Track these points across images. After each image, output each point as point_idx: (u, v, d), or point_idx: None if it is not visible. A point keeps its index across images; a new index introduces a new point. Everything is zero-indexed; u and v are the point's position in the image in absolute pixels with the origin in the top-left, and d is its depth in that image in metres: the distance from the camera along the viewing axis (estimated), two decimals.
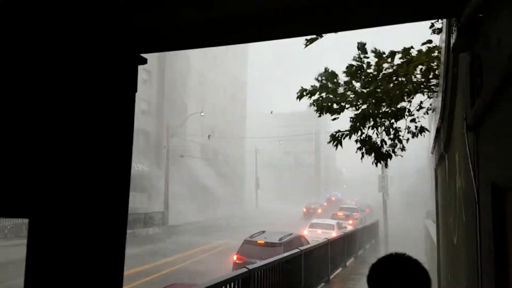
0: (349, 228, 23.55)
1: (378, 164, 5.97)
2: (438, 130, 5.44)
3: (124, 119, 2.20)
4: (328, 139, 5.72)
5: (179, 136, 35.46)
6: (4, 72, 1.92)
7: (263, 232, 16.02)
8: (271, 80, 72.53)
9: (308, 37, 4.71)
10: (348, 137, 5.51)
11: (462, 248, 3.05)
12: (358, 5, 1.60)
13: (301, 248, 10.15)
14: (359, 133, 5.50)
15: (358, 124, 5.40)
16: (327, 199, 51.32)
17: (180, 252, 19.49)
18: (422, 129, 5.73)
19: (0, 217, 1.94)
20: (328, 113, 5.56)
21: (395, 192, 48.82)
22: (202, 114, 35.71)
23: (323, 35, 4.05)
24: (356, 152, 5.69)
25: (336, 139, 5.58)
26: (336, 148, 5.68)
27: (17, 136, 1.92)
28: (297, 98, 5.56)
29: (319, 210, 43.43)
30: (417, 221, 31.41)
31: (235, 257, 14.27)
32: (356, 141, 5.61)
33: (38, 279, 2.00)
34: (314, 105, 5.60)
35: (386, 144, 5.69)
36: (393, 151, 5.71)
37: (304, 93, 5.48)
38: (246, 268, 5.85)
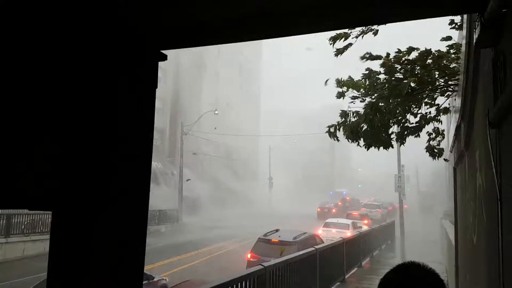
0: (364, 228, 23.37)
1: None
2: (457, 128, 5.36)
3: (145, 115, 2.23)
4: (343, 140, 5.94)
5: (193, 134, 35.68)
6: (35, 69, 1.96)
7: (277, 230, 16.02)
8: (285, 78, 72.40)
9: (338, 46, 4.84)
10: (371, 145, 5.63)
11: (482, 248, 3.01)
12: (384, 1, 1.60)
13: (317, 246, 10.13)
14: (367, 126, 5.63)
15: (368, 116, 5.48)
16: (341, 199, 50.98)
17: (191, 251, 19.57)
18: (443, 111, 5.87)
19: (24, 209, 1.99)
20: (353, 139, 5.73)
21: (412, 192, 48.29)
22: (216, 112, 35.85)
23: (352, 43, 4.11)
24: (367, 148, 5.82)
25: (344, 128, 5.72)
26: (337, 140, 5.91)
27: (43, 133, 1.96)
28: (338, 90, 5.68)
29: (334, 210, 43.19)
30: (434, 221, 31.04)
31: (249, 255, 14.31)
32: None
33: (61, 268, 2.05)
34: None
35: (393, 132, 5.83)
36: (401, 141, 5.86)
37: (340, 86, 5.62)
38: (262, 265, 5.87)
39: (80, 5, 1.91)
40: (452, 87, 5.97)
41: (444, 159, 7.36)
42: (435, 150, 6.10)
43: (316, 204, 46.27)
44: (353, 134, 5.77)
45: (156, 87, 2.38)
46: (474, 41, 1.96)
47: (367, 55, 4.97)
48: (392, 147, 5.99)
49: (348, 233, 19.13)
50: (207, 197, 38.02)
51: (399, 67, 5.10)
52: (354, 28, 2.31)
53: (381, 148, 6.13)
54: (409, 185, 41.57)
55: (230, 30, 2.20)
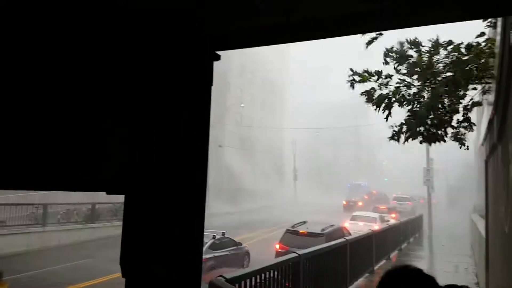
0: (392, 221, 23.28)
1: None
2: (490, 122, 5.42)
3: (202, 111, 2.48)
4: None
5: (218, 126, 36.10)
6: (113, 69, 2.22)
7: (305, 222, 16.21)
8: (311, 70, 71.93)
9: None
10: (409, 138, 5.62)
11: None
12: (424, 7, 1.77)
13: (347, 238, 10.29)
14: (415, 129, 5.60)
15: (414, 124, 5.48)
16: (367, 192, 50.62)
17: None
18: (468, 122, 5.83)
19: (103, 191, 2.25)
20: (379, 107, 5.68)
21: (440, 186, 47.44)
22: (242, 105, 36.13)
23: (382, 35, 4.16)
24: (405, 142, 5.81)
25: (396, 135, 5.71)
26: (398, 142, 5.81)
27: (117, 124, 2.22)
28: (349, 85, 5.71)
29: (360, 203, 43.00)
30: (463, 216, 30.55)
31: (277, 246, 14.56)
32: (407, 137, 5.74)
33: (132, 251, 2.32)
34: (365, 96, 5.73)
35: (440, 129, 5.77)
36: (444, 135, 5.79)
37: (356, 79, 5.63)
38: (296, 253, 6.10)
39: (151, 16, 2.16)
40: (485, 79, 5.97)
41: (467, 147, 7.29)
42: (462, 138, 5.99)
43: (341, 197, 46.21)
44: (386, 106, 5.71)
45: (212, 85, 2.62)
46: (509, 41, 2.10)
47: (410, 42, 5.03)
48: (444, 141, 5.91)
49: (376, 226, 19.11)
50: (233, 188, 38.51)
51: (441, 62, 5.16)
52: (394, 29, 2.43)
53: (410, 142, 6.09)
54: (437, 178, 41.02)
55: (279, 34, 2.42)
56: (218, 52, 2.62)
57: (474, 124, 5.93)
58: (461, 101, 5.55)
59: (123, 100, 2.22)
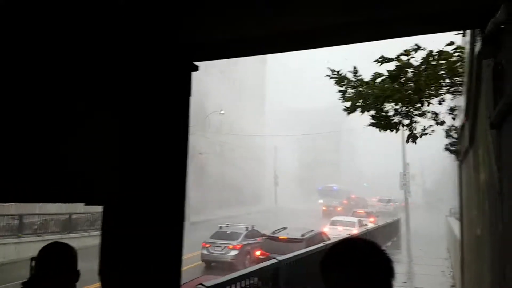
0: (370, 225, 23.60)
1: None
2: (462, 127, 5.60)
3: (181, 121, 2.50)
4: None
5: (198, 133, 35.95)
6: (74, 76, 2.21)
7: (285, 228, 16.33)
8: (291, 76, 72.52)
9: None
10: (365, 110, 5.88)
11: (486, 238, 3.23)
12: (397, 20, 1.85)
13: (326, 242, 10.38)
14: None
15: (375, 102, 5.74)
16: (346, 197, 51.16)
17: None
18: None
19: (82, 203, 2.25)
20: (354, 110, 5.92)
21: (417, 190, 48.48)
22: (222, 112, 36.11)
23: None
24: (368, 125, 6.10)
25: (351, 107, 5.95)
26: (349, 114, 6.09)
27: (95, 138, 2.22)
28: (333, 80, 5.95)
29: (339, 208, 43.40)
30: (439, 219, 31.16)
31: (258, 253, 14.61)
32: (372, 116, 6.03)
33: (112, 259, 2.31)
34: (343, 98, 5.95)
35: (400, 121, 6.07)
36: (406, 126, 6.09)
37: (333, 75, 5.87)
38: (276, 259, 6.13)
39: (126, 25, 2.17)
40: (457, 87, 6.20)
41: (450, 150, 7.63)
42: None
43: (321, 202, 46.86)
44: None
45: (190, 95, 2.65)
46: (476, 52, 2.21)
47: (381, 59, 5.23)
48: (395, 130, 6.22)
49: (354, 231, 19.39)
50: (213, 196, 38.31)
51: (410, 69, 5.37)
52: (370, 41, 2.53)
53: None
54: (414, 183, 42.06)
55: (257, 45, 2.47)
56: (196, 63, 2.65)
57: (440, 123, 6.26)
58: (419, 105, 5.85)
59: (101, 112, 2.22)
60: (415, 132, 6.18)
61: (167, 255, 2.38)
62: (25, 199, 2.02)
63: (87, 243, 18.35)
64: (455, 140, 6.87)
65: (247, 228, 17.51)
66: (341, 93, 6.17)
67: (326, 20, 1.96)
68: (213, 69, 41.38)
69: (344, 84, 6.08)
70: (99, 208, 2.47)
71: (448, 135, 6.98)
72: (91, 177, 2.22)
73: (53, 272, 2.01)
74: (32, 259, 2.21)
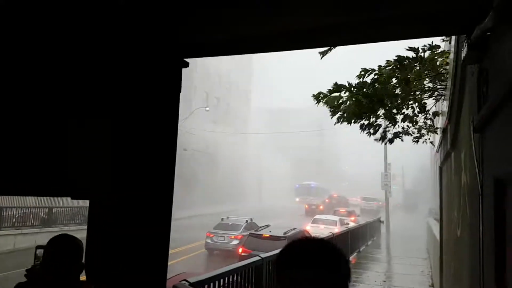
0: (351, 224, 23.87)
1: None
2: (444, 130, 5.71)
3: (170, 116, 2.50)
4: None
5: (182, 129, 35.74)
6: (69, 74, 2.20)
7: (268, 226, 16.45)
8: (275, 76, 72.67)
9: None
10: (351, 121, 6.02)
11: (466, 239, 3.31)
12: (384, 23, 1.89)
13: None
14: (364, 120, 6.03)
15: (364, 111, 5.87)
16: (329, 196, 51.60)
17: (185, 245, 19.76)
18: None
19: (68, 197, 2.24)
20: (342, 120, 6.03)
21: (397, 190, 49.32)
22: (207, 108, 35.99)
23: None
24: (361, 132, 6.26)
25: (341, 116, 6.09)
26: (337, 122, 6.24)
27: (83, 129, 2.20)
28: (315, 101, 5.99)
29: (321, 207, 43.77)
30: (419, 219, 31.68)
31: (240, 250, 14.64)
32: (362, 125, 6.17)
33: (97, 254, 2.30)
34: (330, 111, 6.03)
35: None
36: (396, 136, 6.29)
37: (321, 96, 5.90)
38: (259, 256, 6.16)
39: (119, 24, 2.16)
40: (439, 90, 6.35)
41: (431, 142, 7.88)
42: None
43: (297, 200, 47.74)
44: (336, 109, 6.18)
45: (180, 91, 2.65)
46: (462, 57, 2.26)
47: (363, 72, 5.38)
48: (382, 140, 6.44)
49: (336, 229, 19.57)
50: (195, 193, 38.17)
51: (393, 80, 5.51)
52: (359, 43, 2.57)
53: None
54: (395, 183, 42.94)
55: (248, 44, 2.49)
56: (187, 59, 2.65)
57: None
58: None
59: (89, 106, 2.21)
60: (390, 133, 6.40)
61: (153, 251, 2.38)
62: (12, 191, 2.01)
63: None
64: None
65: (246, 221, 19.25)
66: (330, 112, 6.34)
67: (324, 20, 1.98)
68: (198, 64, 41.17)
69: (333, 106, 6.23)
70: (80, 202, 2.46)
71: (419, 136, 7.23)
72: (78, 171, 2.21)
73: (59, 264, 2.08)
74: (37, 247, 2.29)
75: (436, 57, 5.47)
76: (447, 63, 5.22)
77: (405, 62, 5.24)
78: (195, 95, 40.65)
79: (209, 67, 44.19)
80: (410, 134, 6.74)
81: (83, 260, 2.26)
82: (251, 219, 19.70)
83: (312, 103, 6.49)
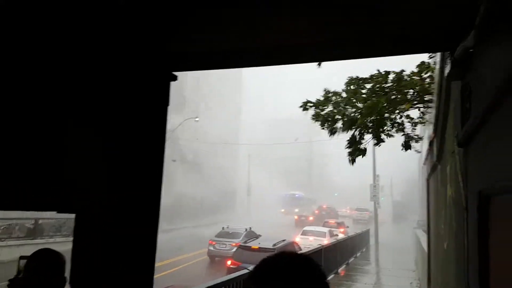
0: (341, 236, 23.88)
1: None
2: (431, 143, 5.79)
3: (158, 129, 2.50)
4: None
5: (172, 141, 35.61)
6: (50, 82, 2.19)
7: (258, 237, 16.39)
8: (266, 86, 73.06)
9: None
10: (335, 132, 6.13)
11: (452, 252, 3.34)
12: (369, 41, 1.93)
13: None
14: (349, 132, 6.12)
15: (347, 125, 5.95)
16: (318, 207, 51.64)
17: (171, 257, 19.55)
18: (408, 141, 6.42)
19: (54, 211, 2.22)
20: (328, 128, 6.07)
21: (386, 201, 49.65)
22: (197, 119, 35.95)
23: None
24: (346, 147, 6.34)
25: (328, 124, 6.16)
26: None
27: (69, 141, 2.19)
28: (302, 108, 6.02)
29: (311, 218, 43.75)
30: (407, 230, 31.81)
31: (229, 262, 14.53)
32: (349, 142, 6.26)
33: (83, 267, 2.28)
34: (316, 119, 6.06)
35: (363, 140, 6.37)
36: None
37: (308, 105, 5.93)
38: (248, 269, 6.11)
39: (104, 35, 2.17)
40: (426, 103, 6.46)
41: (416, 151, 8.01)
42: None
43: (282, 211, 48.02)
44: (328, 122, 6.26)
45: (168, 104, 2.65)
46: (446, 74, 2.32)
47: (353, 80, 5.43)
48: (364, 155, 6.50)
49: (325, 241, 19.56)
50: (185, 205, 37.90)
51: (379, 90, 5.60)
52: (343, 60, 2.63)
53: (358, 158, 6.60)
54: (383, 194, 43.26)
55: (236, 59, 2.51)
56: (175, 73, 2.66)
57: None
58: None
59: (76, 120, 2.20)
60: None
61: (139, 265, 2.36)
62: None
63: None
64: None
65: (246, 229, 20.96)
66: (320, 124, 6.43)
67: (307, 37, 2.02)
68: (189, 76, 41.22)
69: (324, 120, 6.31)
70: (67, 214, 2.44)
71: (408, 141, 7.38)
72: (64, 184, 2.19)
73: (42, 277, 2.09)
74: (21, 258, 2.29)
75: (423, 74, 5.59)
76: (433, 78, 5.33)
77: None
78: (185, 105, 40.62)
79: (199, 76, 44.25)
80: (392, 136, 6.84)
81: (68, 274, 2.23)
82: (250, 228, 21.19)
83: (302, 113, 6.57)
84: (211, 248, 19.51)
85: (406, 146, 6.72)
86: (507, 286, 1.44)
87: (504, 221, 1.49)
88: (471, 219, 2.22)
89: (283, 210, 50.51)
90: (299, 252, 11.57)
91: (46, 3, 1.81)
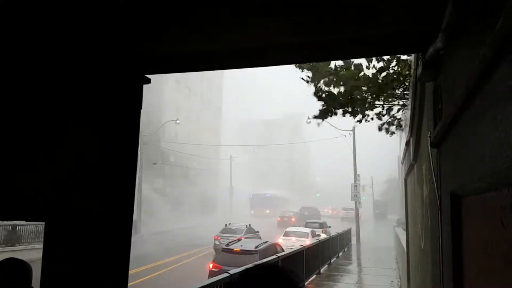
0: (323, 236, 23.99)
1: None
2: (407, 143, 5.86)
3: (130, 132, 2.45)
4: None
5: (153, 143, 35.27)
6: (27, 88, 2.13)
7: (240, 240, 16.30)
8: (247, 88, 73.02)
9: None
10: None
11: (428, 251, 3.38)
12: (347, 44, 1.92)
13: (278, 254, 10.43)
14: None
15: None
16: (300, 208, 51.81)
17: (153, 262, 19.38)
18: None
19: (20, 220, 2.15)
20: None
21: (367, 200, 50.24)
22: (178, 121, 35.67)
23: None
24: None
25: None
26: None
27: (37, 148, 2.13)
28: (300, 69, 6.51)
29: (293, 219, 43.85)
30: (388, 229, 32.23)
31: (211, 265, 14.42)
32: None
33: (53, 276, 2.21)
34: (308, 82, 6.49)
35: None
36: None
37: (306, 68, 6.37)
38: (228, 273, 6.07)
39: (77, 38, 2.11)
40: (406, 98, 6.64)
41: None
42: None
43: (258, 212, 47.90)
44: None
45: (141, 107, 2.61)
46: (418, 76, 2.33)
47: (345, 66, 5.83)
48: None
49: (307, 241, 19.60)
50: (168, 207, 37.57)
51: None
52: (318, 62, 2.66)
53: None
54: (364, 194, 43.73)
55: (211, 61, 2.48)
56: (148, 76, 2.62)
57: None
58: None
59: (44, 124, 2.14)
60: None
61: (112, 273, 2.31)
62: None
63: (31, 256, 17.40)
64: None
65: (246, 226, 24.01)
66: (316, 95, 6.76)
67: (279, 39, 2.01)
68: (169, 78, 40.90)
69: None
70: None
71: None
72: (32, 193, 2.12)
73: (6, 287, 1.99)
74: None
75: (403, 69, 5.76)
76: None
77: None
78: (165, 107, 40.29)
79: (180, 80, 43.96)
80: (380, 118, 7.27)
81: (39, 284, 2.16)
82: (249, 225, 24.28)
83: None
84: (217, 242, 21.96)
85: (386, 129, 7.14)
86: (480, 286, 1.45)
87: (475, 222, 1.50)
88: (444, 219, 2.23)
89: (252, 211, 50.06)
90: (281, 253, 11.57)
91: (25, 4, 1.75)
